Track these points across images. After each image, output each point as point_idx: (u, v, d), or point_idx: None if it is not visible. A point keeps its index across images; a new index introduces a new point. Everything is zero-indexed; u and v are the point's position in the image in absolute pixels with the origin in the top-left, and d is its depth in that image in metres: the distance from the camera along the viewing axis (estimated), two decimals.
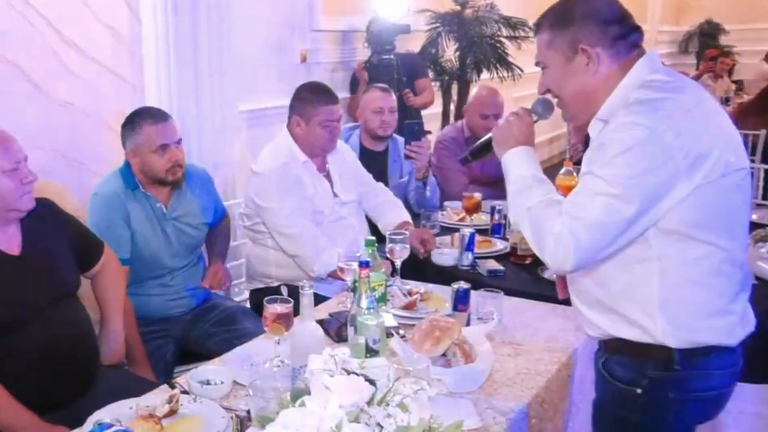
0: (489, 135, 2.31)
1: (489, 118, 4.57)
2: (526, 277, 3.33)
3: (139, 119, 3.19)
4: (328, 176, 3.68)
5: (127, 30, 3.88)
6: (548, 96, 2.22)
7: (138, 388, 2.35)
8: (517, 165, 2.14)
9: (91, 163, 3.70)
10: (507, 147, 2.18)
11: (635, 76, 2.00)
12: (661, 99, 1.92)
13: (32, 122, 3.44)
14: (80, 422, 2.03)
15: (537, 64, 2.13)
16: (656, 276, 1.95)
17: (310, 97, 3.60)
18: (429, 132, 5.74)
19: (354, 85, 5.80)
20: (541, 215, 1.99)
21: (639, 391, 2.03)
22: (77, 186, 3.56)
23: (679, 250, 1.93)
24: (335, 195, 3.66)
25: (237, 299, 4.06)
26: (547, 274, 3.30)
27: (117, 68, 3.84)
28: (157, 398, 2.14)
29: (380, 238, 3.20)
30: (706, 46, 11.17)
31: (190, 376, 2.28)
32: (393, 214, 3.85)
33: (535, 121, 2.25)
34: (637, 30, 2.06)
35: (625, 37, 2.03)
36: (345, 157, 3.83)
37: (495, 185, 4.73)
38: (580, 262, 1.92)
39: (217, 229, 3.59)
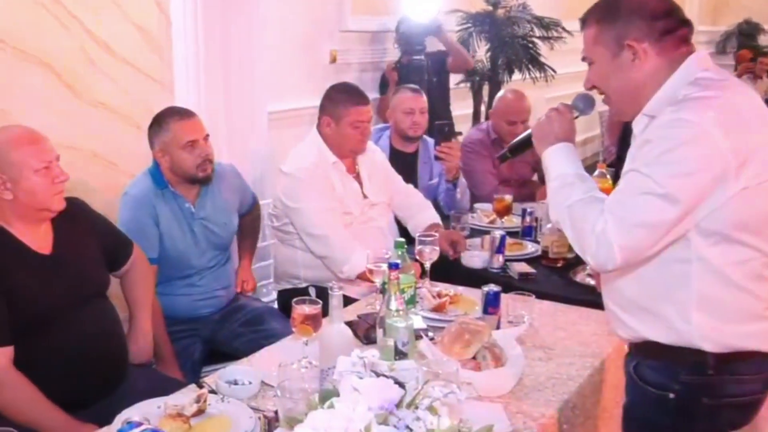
0: (528, 131, 2.30)
1: (516, 125, 4.56)
2: (558, 281, 3.33)
3: (166, 118, 3.22)
4: (357, 177, 3.69)
5: (156, 30, 3.91)
6: (589, 92, 2.21)
7: (166, 387, 2.38)
8: (558, 162, 2.12)
9: (121, 162, 3.73)
10: (547, 144, 2.17)
11: (685, 73, 1.97)
12: (711, 97, 1.90)
13: (64, 122, 3.48)
14: (108, 420, 2.05)
15: (583, 59, 2.12)
16: (694, 277, 1.93)
17: (341, 97, 3.62)
18: (460, 133, 5.73)
19: (383, 85, 5.80)
20: (582, 213, 1.96)
21: (671, 395, 2.01)
22: (108, 185, 3.59)
23: (720, 252, 1.92)
24: (365, 196, 3.67)
25: (265, 300, 4.08)
26: (579, 278, 3.29)
27: (147, 68, 3.87)
28: (185, 397, 2.16)
29: (410, 240, 3.21)
30: (744, 47, 11.04)
31: (218, 376, 2.30)
32: (423, 215, 3.86)
33: (576, 117, 2.24)
34: (685, 24, 2.03)
35: (673, 31, 2.00)
36: (375, 158, 3.84)
37: (525, 187, 4.73)
38: (622, 261, 1.90)
39: (247, 220, 3.63)
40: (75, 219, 2.65)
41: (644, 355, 2.08)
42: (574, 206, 1.99)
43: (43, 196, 2.48)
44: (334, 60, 5.40)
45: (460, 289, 3.02)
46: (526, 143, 2.33)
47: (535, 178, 4.81)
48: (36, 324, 2.43)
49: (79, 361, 2.50)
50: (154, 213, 3.18)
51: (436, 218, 3.88)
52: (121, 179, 3.58)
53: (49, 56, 3.42)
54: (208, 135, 3.25)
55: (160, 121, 3.22)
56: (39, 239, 2.53)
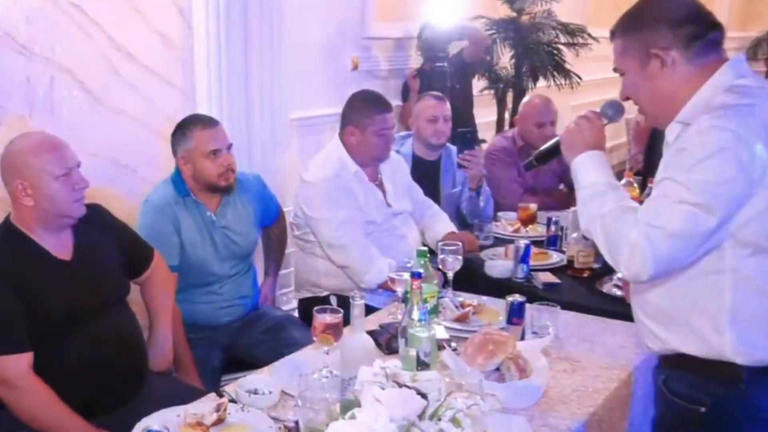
0: (556, 139, 2.28)
1: (545, 126, 4.56)
2: (584, 291, 3.30)
3: (190, 125, 3.23)
4: (380, 186, 3.69)
5: (178, 37, 3.93)
6: (618, 100, 2.19)
7: (185, 395, 2.38)
8: (589, 170, 2.10)
9: (143, 169, 3.75)
10: (577, 151, 2.15)
11: (721, 80, 1.95)
12: (748, 105, 1.88)
13: (86, 129, 3.49)
14: (127, 428, 2.06)
15: (615, 70, 2.11)
16: (728, 289, 1.91)
17: (364, 106, 3.63)
18: (483, 140, 5.72)
19: (405, 93, 5.79)
20: (615, 223, 1.95)
21: (702, 409, 1.98)
22: (129, 192, 3.61)
23: (756, 263, 1.89)
24: (388, 205, 3.67)
25: (285, 308, 4.09)
26: (605, 288, 3.27)
27: (168, 75, 3.89)
28: (204, 406, 2.16)
29: (431, 250, 3.20)
30: None
31: (238, 385, 2.30)
32: (439, 226, 3.88)
33: (605, 125, 2.23)
34: (715, 28, 2.00)
35: (701, 36, 1.97)
36: (398, 167, 3.85)
37: (550, 195, 4.70)
38: (656, 272, 1.88)
39: (273, 233, 3.66)
40: (96, 226, 2.66)
41: (675, 367, 2.05)
42: (606, 216, 1.97)
43: (64, 203, 2.49)
44: (356, 67, 5.40)
45: (484, 299, 3.01)
46: (554, 151, 2.31)
47: (562, 186, 4.79)
48: (55, 330, 2.45)
49: (98, 367, 2.50)
50: (176, 220, 3.19)
51: (452, 227, 3.90)
52: (143, 186, 3.59)
53: (71, 63, 3.45)
54: (231, 144, 3.26)
55: (183, 129, 3.23)
56: (59, 245, 2.54)
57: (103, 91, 3.59)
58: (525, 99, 4.95)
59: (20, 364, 2.37)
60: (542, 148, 2.45)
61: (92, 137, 3.52)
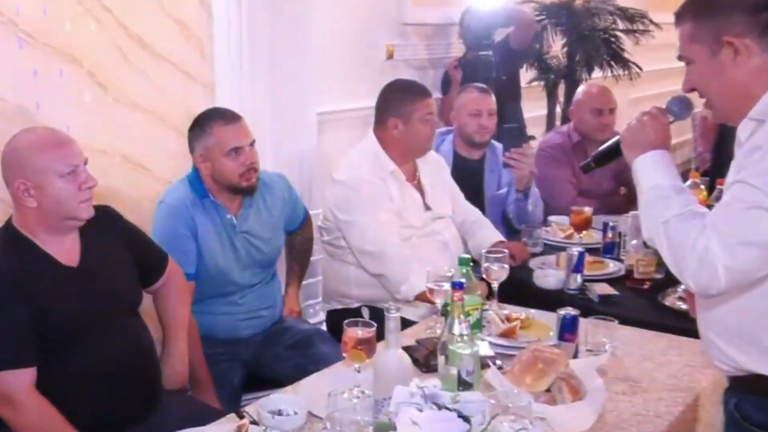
0: (616, 137, 2.27)
1: (603, 114, 4.57)
2: (644, 304, 3.28)
3: (209, 120, 3.24)
4: (418, 186, 3.68)
5: (197, 24, 3.94)
6: (685, 94, 2.17)
7: (202, 415, 2.39)
8: (652, 172, 2.08)
9: (157, 168, 3.77)
10: (639, 151, 2.13)
11: None
12: None
13: (95, 123, 3.52)
14: None
15: (679, 58, 2.08)
16: None
17: (405, 95, 3.65)
18: (532, 137, 5.69)
19: (446, 84, 5.79)
20: (680, 230, 1.92)
21: None
22: (142, 193, 3.63)
23: None
24: (427, 207, 3.66)
25: (312, 321, 4.09)
26: (668, 301, 3.24)
27: (186, 66, 3.91)
28: (223, 428, 2.16)
29: (474, 259, 3.18)
30: None
31: (260, 405, 2.29)
32: (484, 234, 3.88)
33: (671, 122, 2.20)
34: None
35: None
36: (438, 167, 3.85)
37: (607, 198, 4.67)
38: (728, 284, 1.86)
39: (297, 239, 3.66)
40: (105, 229, 2.68)
41: (748, 390, 2.03)
42: (671, 222, 1.95)
43: (69, 204, 2.50)
44: (391, 56, 5.40)
45: (533, 312, 3.01)
46: (614, 151, 2.30)
47: (622, 189, 4.75)
48: (61, 343, 2.46)
49: (107, 385, 2.52)
50: (192, 224, 3.20)
51: (499, 236, 3.89)
52: (157, 186, 3.61)
53: (80, 52, 3.47)
54: (254, 141, 3.27)
55: (202, 124, 3.25)
56: (66, 250, 2.56)
57: (115, 83, 3.61)
58: (580, 88, 4.94)
59: (22, 379, 2.39)
60: (601, 148, 2.44)
61: (102, 133, 3.55)
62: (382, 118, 3.65)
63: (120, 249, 2.72)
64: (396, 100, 3.64)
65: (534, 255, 3.84)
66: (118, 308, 2.63)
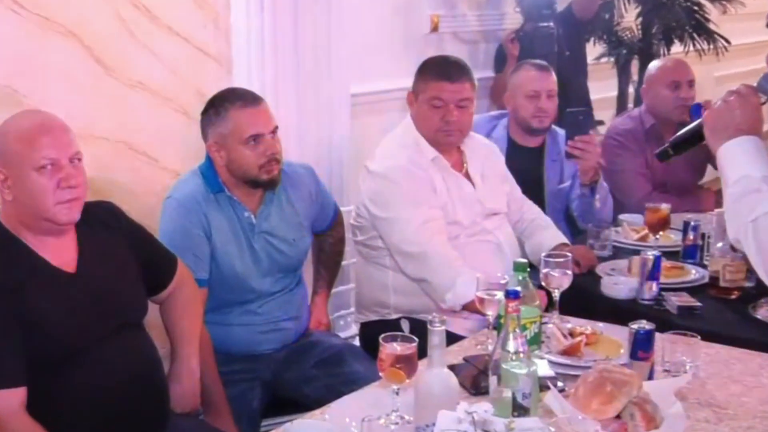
0: (698, 120, 2.24)
1: (681, 87, 4.56)
2: (732, 317, 3.26)
3: (225, 103, 3.25)
4: (466, 176, 3.68)
5: None
6: None
7: None
8: (740, 161, 2.07)
9: (164, 158, 3.79)
10: (725, 136, 2.11)
11: None
12: None
13: (94, 106, 3.54)
14: None
15: None
16: None
17: (424, 68, 3.67)
18: (600, 122, 5.67)
19: (500, 61, 5.78)
20: None
21: None
22: (147, 187, 3.65)
23: None
24: (477, 201, 3.66)
25: (343, 335, 4.09)
26: (760, 314, 3.21)
27: (198, 40, 3.92)
28: None
29: (532, 264, 3.17)
30: None
31: (283, 431, 2.30)
32: (544, 235, 3.86)
33: (763, 103, 2.18)
34: None
35: None
36: (490, 155, 3.85)
37: (688, 193, 4.63)
38: None
39: (326, 241, 3.68)
40: (106, 229, 2.70)
41: None
42: (761, 219, 1.94)
43: (43, 203, 2.50)
44: (435, 28, 5.40)
45: (600, 325, 2.99)
46: (695, 136, 2.28)
47: (702, 181, 4.72)
48: (55, 360, 2.48)
49: (107, 406, 2.54)
50: (205, 223, 3.22)
51: (562, 237, 3.87)
52: (164, 179, 3.63)
53: (76, 24, 3.49)
54: (276, 127, 3.28)
55: (217, 107, 3.26)
56: (61, 253, 2.58)
57: (117, 59, 3.63)
58: (652, 63, 4.91)
59: (11, 400, 2.41)
60: (680, 132, 2.42)
61: (102, 117, 3.57)
62: (408, 92, 3.70)
63: (123, 252, 2.74)
64: (417, 73, 3.68)
65: (602, 259, 3.81)
66: (120, 320, 2.65)
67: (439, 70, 3.62)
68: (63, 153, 2.52)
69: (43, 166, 2.48)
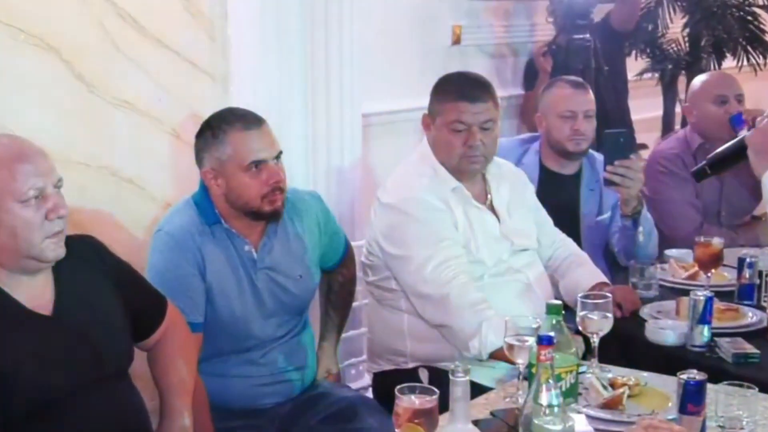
0: (741, 136, 2.23)
1: (729, 102, 4.54)
2: None
3: (223, 125, 3.25)
4: (491, 209, 3.67)
5: (206, 2, 3.97)
6: None
7: None
8: None
9: (153, 186, 3.79)
10: None
11: None
12: None
13: (73, 127, 3.55)
14: None
15: None
16: None
17: (444, 87, 3.65)
18: (643, 146, 5.65)
19: (530, 77, 5.78)
20: None
21: None
22: (133, 219, 3.65)
23: None
24: (503, 236, 3.65)
25: (354, 385, 4.07)
26: None
27: (191, 54, 3.93)
28: None
29: (567, 305, 3.16)
30: None
31: None
32: (582, 271, 3.85)
33: None
34: None
35: None
36: (517, 184, 3.84)
37: (743, 225, 4.61)
38: None
39: (335, 279, 3.68)
40: (87, 266, 2.70)
41: None
42: None
43: (29, 238, 2.50)
44: (457, 40, 5.41)
45: (645, 375, 2.98)
46: (736, 154, 2.26)
47: (761, 212, 4.70)
48: (28, 414, 2.47)
49: None
50: (200, 259, 3.21)
51: (601, 276, 3.86)
52: (153, 210, 3.63)
53: (54, 35, 3.50)
54: (280, 153, 3.28)
55: (214, 129, 3.25)
56: (35, 294, 2.58)
57: (100, 75, 3.64)
58: (696, 78, 4.91)
59: None
60: (719, 149, 2.40)
61: (82, 140, 3.58)
62: (423, 115, 3.69)
63: (105, 293, 2.73)
64: (433, 92, 3.67)
65: (646, 301, 3.79)
66: (102, 369, 2.64)
67: (458, 90, 3.60)
68: (49, 180, 2.52)
69: (30, 199, 2.48)
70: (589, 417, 2.67)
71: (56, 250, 2.55)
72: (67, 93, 3.56)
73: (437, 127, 3.60)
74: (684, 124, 5.76)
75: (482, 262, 3.57)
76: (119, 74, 3.70)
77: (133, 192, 3.76)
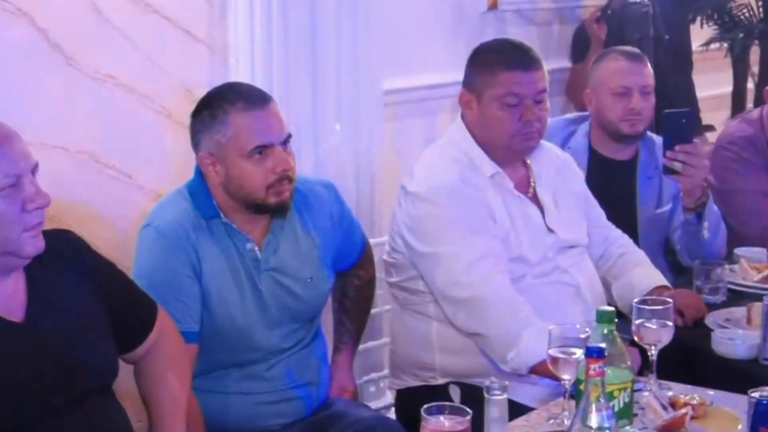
0: None
1: None
2: None
3: (223, 103, 3.24)
4: (534, 199, 3.67)
5: None
6: None
7: None
8: None
9: (141, 173, 3.80)
10: None
11: None
12: None
13: (50, 105, 3.56)
14: None
15: None
16: None
17: (488, 57, 3.63)
18: (710, 127, 5.63)
19: (580, 48, 5.77)
20: None
21: None
22: (119, 212, 3.66)
23: None
24: (549, 231, 3.65)
25: (374, 405, 4.08)
26: None
27: (185, 21, 3.93)
28: None
29: (621, 312, 3.16)
30: None
31: None
32: (639, 273, 3.85)
33: None
34: None
35: None
36: (564, 171, 3.83)
37: None
38: None
39: (351, 282, 3.68)
40: (64, 266, 2.71)
41: None
42: None
43: (6, 233, 2.51)
44: (494, 5, 5.40)
45: (711, 393, 2.98)
46: None
47: None
48: None
49: None
50: (195, 258, 3.21)
51: (661, 278, 3.85)
52: (142, 201, 3.64)
53: (31, 3, 3.51)
54: (289, 136, 3.28)
55: (212, 108, 3.25)
56: (5, 298, 2.58)
57: (80, 45, 3.65)
58: None
59: None
60: None
61: (60, 121, 3.59)
62: (461, 92, 3.67)
63: (86, 296, 2.73)
64: (474, 65, 3.65)
65: (713, 307, 3.79)
66: (83, 385, 2.64)
67: (508, 58, 3.59)
68: (24, 166, 2.53)
69: (3, 188, 2.49)
70: None
71: (36, 244, 2.55)
72: (42, 65, 3.57)
73: (484, 103, 3.58)
74: (758, 102, 5.74)
75: (524, 260, 3.56)
76: (103, 44, 3.71)
77: (118, 180, 3.78)
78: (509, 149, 3.58)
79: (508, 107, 3.53)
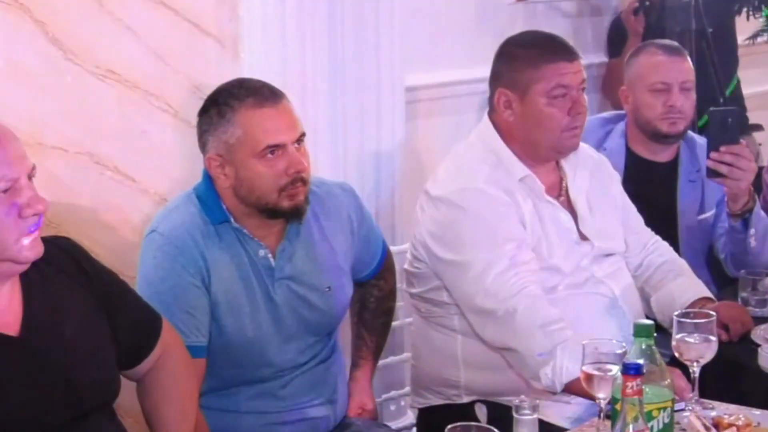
0: None
1: None
2: None
3: (233, 100, 3.25)
4: (566, 204, 3.66)
5: None
6: None
7: None
8: None
9: (145, 176, 3.80)
10: None
11: None
12: None
13: (50, 104, 3.56)
14: None
15: None
16: None
17: (526, 52, 3.62)
18: (758, 127, 5.62)
19: (616, 41, 5.77)
20: None
21: None
22: (121, 217, 3.67)
23: None
24: (583, 237, 3.64)
25: (395, 425, 4.08)
26: None
27: (193, 12, 3.94)
28: None
29: (661, 326, 3.15)
30: None
31: None
32: (680, 284, 3.84)
33: None
34: None
35: None
36: (599, 174, 3.83)
37: None
38: None
39: (370, 293, 3.68)
40: (62, 276, 2.71)
41: None
42: None
43: (4, 240, 2.52)
44: None
45: (757, 413, 2.98)
46: None
47: None
48: None
49: None
50: (203, 267, 3.22)
51: (703, 289, 3.85)
52: (146, 206, 3.64)
53: None
54: (303, 135, 3.28)
55: (221, 106, 3.26)
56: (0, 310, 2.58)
57: (80, 39, 3.66)
58: None
59: None
60: None
61: (58, 119, 3.59)
62: (492, 90, 3.65)
63: (86, 308, 2.74)
64: (509, 60, 3.63)
65: (760, 321, 3.77)
66: (82, 403, 2.65)
67: (549, 49, 3.60)
68: (20, 169, 2.54)
69: (2, 191, 2.49)
70: None
71: (33, 249, 2.56)
72: (39, 60, 3.57)
73: (529, 100, 3.56)
74: None
75: (557, 270, 3.56)
76: (104, 38, 3.71)
77: (121, 183, 3.77)
78: (556, 147, 3.60)
79: (556, 100, 3.53)
